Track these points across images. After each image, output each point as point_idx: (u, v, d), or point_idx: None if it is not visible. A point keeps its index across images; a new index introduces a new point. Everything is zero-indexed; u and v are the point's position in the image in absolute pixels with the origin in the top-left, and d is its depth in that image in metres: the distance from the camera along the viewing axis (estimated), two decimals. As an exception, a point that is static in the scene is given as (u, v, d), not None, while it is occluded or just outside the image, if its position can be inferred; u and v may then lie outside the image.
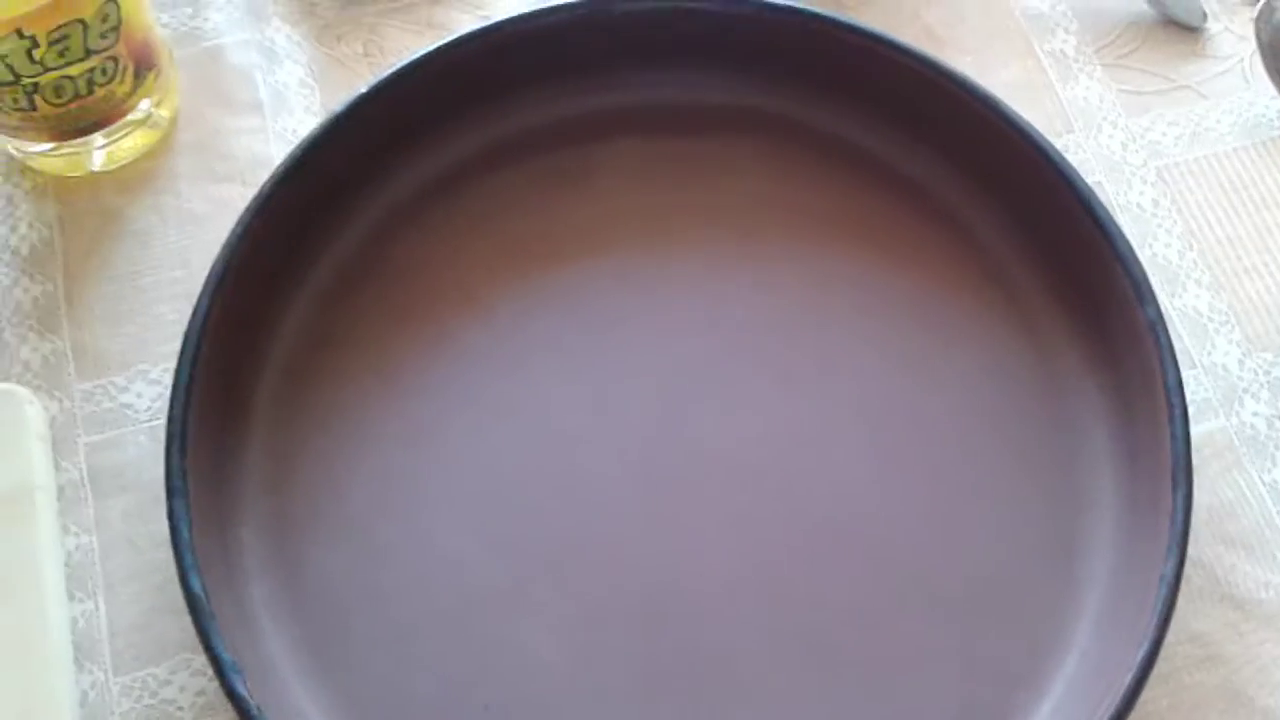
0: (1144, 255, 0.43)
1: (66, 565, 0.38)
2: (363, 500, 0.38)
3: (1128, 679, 0.34)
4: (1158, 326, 0.37)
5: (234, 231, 0.37)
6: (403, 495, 0.38)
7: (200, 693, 0.36)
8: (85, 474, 0.39)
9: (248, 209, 0.38)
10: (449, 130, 0.43)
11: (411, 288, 0.41)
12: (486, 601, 0.37)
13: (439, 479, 0.39)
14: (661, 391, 0.40)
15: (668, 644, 0.37)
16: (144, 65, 0.41)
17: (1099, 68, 0.46)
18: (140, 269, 0.42)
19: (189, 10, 0.46)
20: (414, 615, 0.37)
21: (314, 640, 0.36)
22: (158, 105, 0.43)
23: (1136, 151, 0.45)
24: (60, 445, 0.39)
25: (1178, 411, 0.36)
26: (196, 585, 0.33)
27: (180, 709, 0.36)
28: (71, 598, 0.37)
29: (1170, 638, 0.38)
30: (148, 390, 0.40)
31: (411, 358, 0.40)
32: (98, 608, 0.37)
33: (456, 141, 0.43)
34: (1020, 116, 0.40)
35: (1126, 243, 0.38)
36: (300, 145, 0.39)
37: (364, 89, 0.40)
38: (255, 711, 0.32)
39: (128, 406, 0.40)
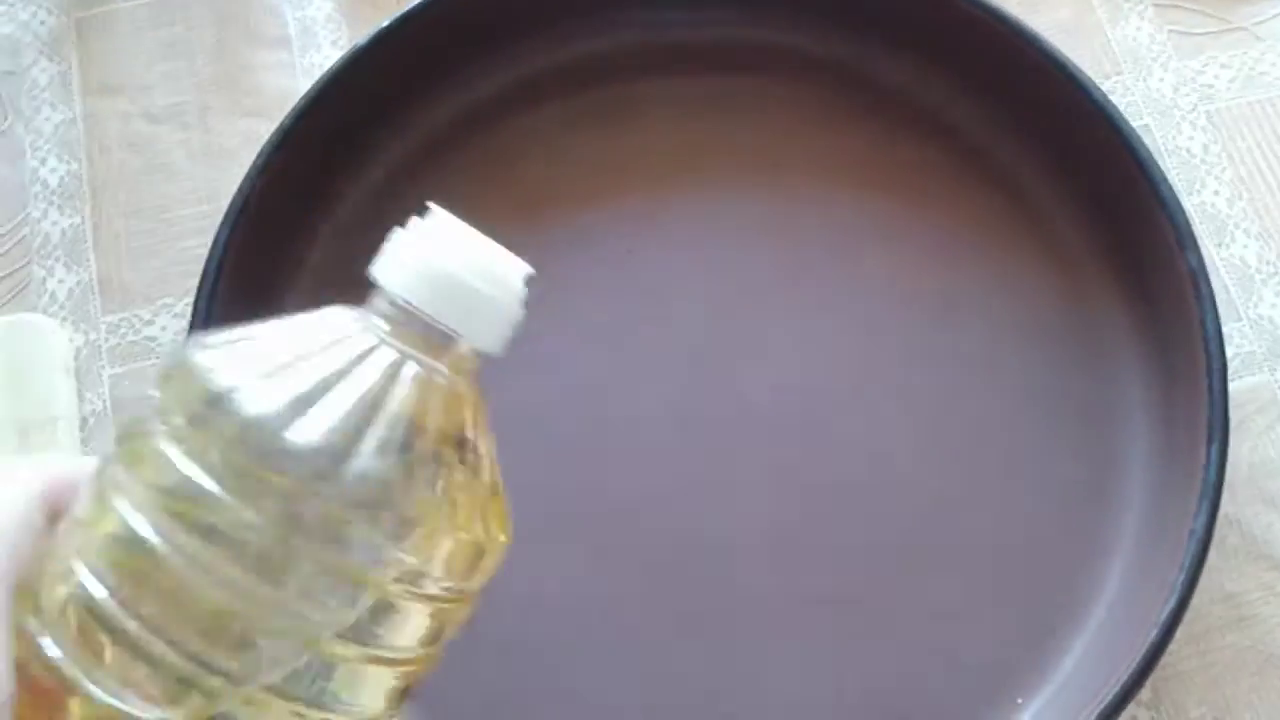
0: (1191, 203, 0.42)
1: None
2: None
3: (1153, 635, 0.33)
4: (1199, 275, 0.36)
5: (254, 165, 0.37)
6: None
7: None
8: (109, 405, 0.39)
9: (268, 142, 0.37)
10: (478, 67, 0.42)
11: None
12: (512, 547, 0.37)
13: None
14: (689, 336, 0.39)
15: (691, 590, 0.37)
16: None
17: (1150, 7, 0.44)
18: (167, 203, 0.42)
19: (219, -55, 0.46)
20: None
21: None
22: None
23: (1187, 95, 0.43)
24: (84, 377, 0.39)
25: (1215, 363, 0.35)
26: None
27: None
28: (92, 527, 0.38)
29: (1203, 598, 0.37)
30: (172, 324, 0.40)
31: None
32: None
33: (485, 79, 0.42)
34: (1064, 55, 0.39)
35: (1170, 187, 0.37)
36: (321, 79, 0.38)
37: (388, 21, 0.39)
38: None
39: (151, 339, 0.40)
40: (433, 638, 0.24)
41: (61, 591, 0.22)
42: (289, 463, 0.22)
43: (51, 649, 0.22)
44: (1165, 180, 0.37)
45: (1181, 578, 0.33)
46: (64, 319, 0.40)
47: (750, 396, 0.39)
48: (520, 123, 0.42)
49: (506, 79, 0.42)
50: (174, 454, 0.22)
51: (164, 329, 0.40)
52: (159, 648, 0.21)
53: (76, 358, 0.40)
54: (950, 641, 0.36)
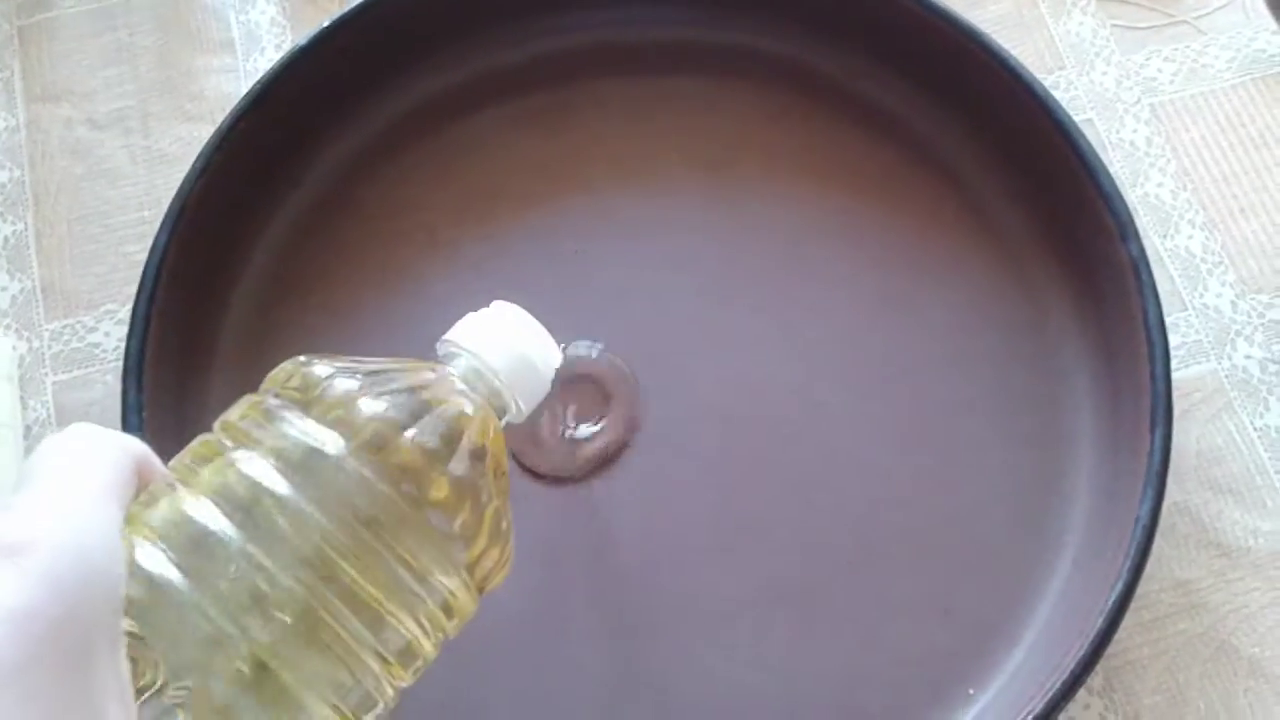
0: (1135, 195, 0.42)
1: (30, 504, 0.37)
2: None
3: (1099, 622, 0.33)
4: (1139, 264, 0.36)
5: (192, 168, 0.37)
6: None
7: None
8: (53, 413, 0.39)
9: (207, 145, 0.37)
10: (419, 69, 0.42)
11: (377, 229, 0.40)
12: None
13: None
14: (640, 334, 0.39)
15: (641, 587, 0.37)
16: None
17: (1093, 2, 0.45)
18: (109, 209, 0.41)
19: (163, -50, 0.46)
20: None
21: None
22: None
23: (1130, 88, 0.44)
24: (28, 384, 0.39)
25: (1158, 350, 0.35)
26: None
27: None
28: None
29: (1154, 586, 0.37)
30: (115, 330, 0.40)
31: (374, 300, 0.39)
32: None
33: (427, 81, 0.42)
34: (1004, 50, 0.39)
35: (1110, 178, 0.37)
36: (261, 80, 0.38)
37: (327, 22, 0.39)
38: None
39: (95, 346, 0.40)
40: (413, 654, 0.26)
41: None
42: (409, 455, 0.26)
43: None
44: (1106, 172, 0.37)
45: (1128, 564, 0.33)
46: (7, 326, 0.40)
47: (701, 393, 0.39)
48: (467, 123, 0.42)
49: (451, 79, 0.42)
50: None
51: (107, 335, 0.40)
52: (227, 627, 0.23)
53: (20, 365, 0.39)
54: (900, 634, 0.36)
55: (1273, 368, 0.40)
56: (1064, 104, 0.39)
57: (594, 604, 0.36)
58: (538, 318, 0.39)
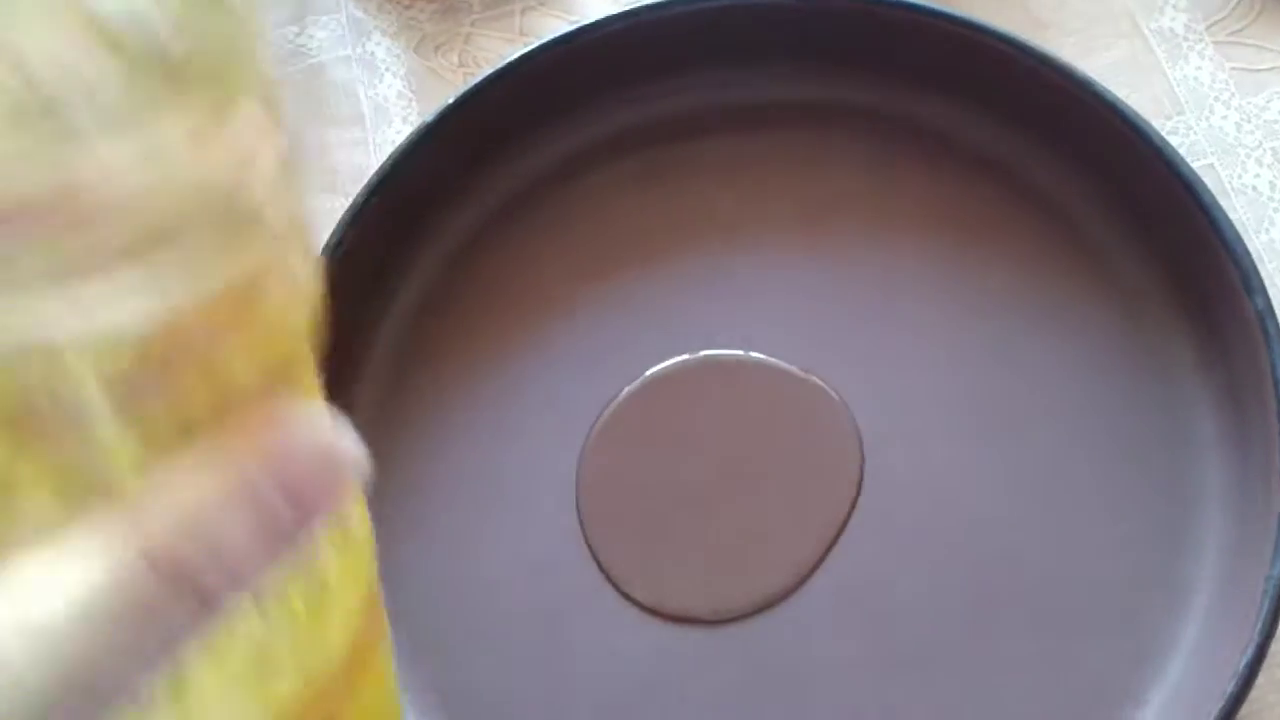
0: (1260, 240, 0.41)
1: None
2: (456, 502, 0.39)
3: (1231, 685, 0.32)
4: (1266, 315, 0.35)
5: (328, 242, 0.39)
6: (493, 496, 0.39)
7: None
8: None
9: (341, 219, 0.39)
10: (535, 137, 0.43)
11: (499, 292, 0.42)
12: (578, 598, 0.38)
13: (532, 483, 0.39)
14: (744, 398, 0.40)
15: (753, 639, 0.37)
16: None
17: (1210, 45, 0.44)
18: (249, 280, 0.44)
19: (294, 29, 0.48)
20: (512, 615, 0.38)
21: (405, 640, 0.37)
22: None
23: (1251, 132, 0.43)
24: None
25: (1287, 405, 0.34)
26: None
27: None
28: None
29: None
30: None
31: (498, 362, 0.41)
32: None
33: (542, 149, 0.43)
34: (1118, 98, 0.39)
35: (1233, 228, 0.37)
36: (392, 155, 0.40)
37: (451, 98, 0.41)
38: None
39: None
40: None
41: None
42: None
43: None
44: (1229, 221, 0.37)
45: (1259, 625, 0.33)
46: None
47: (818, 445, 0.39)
48: (576, 188, 0.43)
49: (565, 148, 0.43)
50: None
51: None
52: None
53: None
54: (1020, 697, 0.35)
55: None
56: (1183, 149, 0.38)
57: (700, 662, 0.37)
58: (656, 382, 0.40)
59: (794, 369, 0.40)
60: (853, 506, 0.38)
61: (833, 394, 0.40)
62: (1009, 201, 0.41)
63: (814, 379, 0.40)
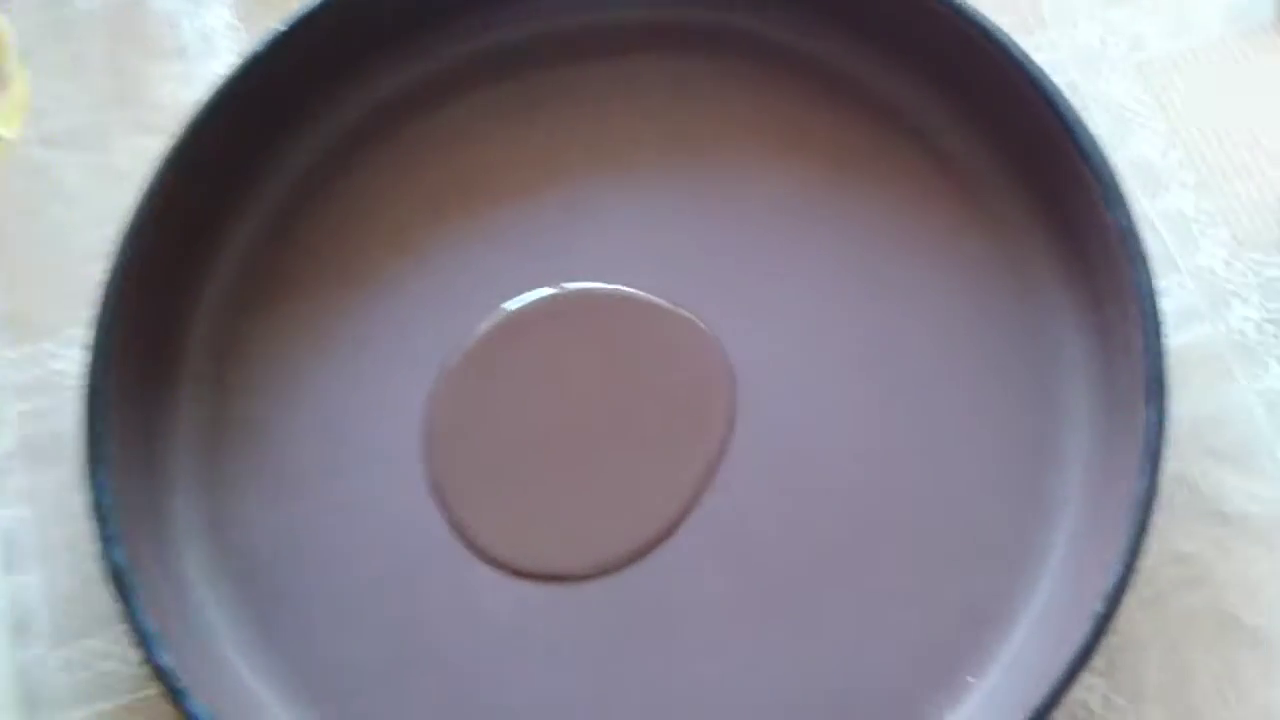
0: (1124, 156, 0.41)
1: (1, 538, 0.37)
2: (302, 458, 0.37)
3: (1099, 605, 0.32)
4: (1127, 231, 0.35)
5: (149, 182, 0.36)
6: (344, 451, 0.37)
7: (142, 664, 0.35)
8: (18, 444, 0.38)
9: (162, 158, 0.36)
10: (381, 65, 0.40)
11: (345, 233, 0.39)
12: (431, 554, 0.36)
13: (382, 431, 0.37)
14: (610, 333, 0.38)
15: (624, 588, 0.36)
16: None
17: (1071, -43, 0.43)
18: (68, 230, 0.40)
19: (108, -44, 0.44)
20: (356, 574, 0.36)
21: (251, 607, 0.35)
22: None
23: (1116, 45, 0.42)
24: (-6, 415, 0.38)
25: (1151, 321, 0.34)
26: (119, 556, 0.32)
27: (121, 680, 0.35)
28: (8, 570, 0.36)
29: (1154, 560, 0.36)
30: (79, 355, 0.39)
31: (346, 308, 0.38)
32: (34, 580, 0.36)
33: (388, 77, 0.40)
34: (979, 11, 0.38)
35: (1095, 143, 0.36)
36: (215, 88, 0.37)
37: (283, 25, 0.38)
38: (181, 684, 0.31)
39: (60, 373, 0.39)
40: None
41: None
42: None
43: None
44: (1090, 136, 0.36)
45: (1126, 544, 0.32)
46: (-32, 356, 0.39)
47: (676, 389, 0.38)
48: (432, 119, 0.40)
49: (414, 74, 0.41)
50: None
51: (73, 361, 0.39)
52: None
53: (-16, 395, 0.38)
54: (895, 625, 0.35)
55: (1270, 328, 0.39)
56: (1046, 65, 0.37)
57: (567, 609, 0.35)
58: (515, 319, 0.39)
59: (663, 302, 0.39)
60: (725, 445, 0.37)
61: (703, 327, 0.38)
62: (877, 128, 0.40)
63: (684, 312, 0.38)
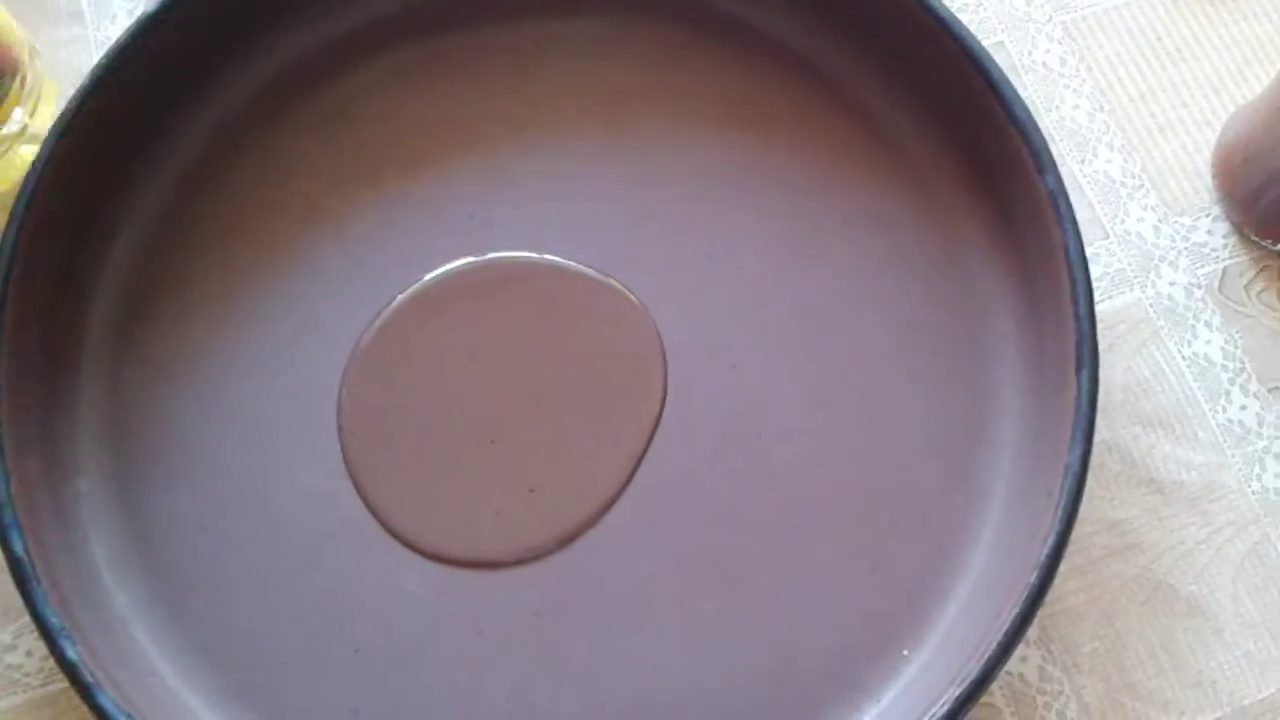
0: (1051, 119, 0.40)
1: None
2: (212, 440, 0.35)
3: (1034, 576, 0.31)
4: (1057, 196, 0.34)
5: (39, 156, 0.34)
6: (257, 431, 0.35)
7: (47, 656, 0.34)
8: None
9: (52, 130, 0.34)
10: (289, 25, 0.39)
11: (251, 204, 0.37)
12: (350, 538, 0.35)
13: (296, 411, 0.36)
14: (545, 293, 0.37)
15: (554, 571, 0.35)
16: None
17: (998, -84, 0.43)
18: (-41, 203, 0.38)
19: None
20: (272, 559, 0.34)
21: (164, 595, 0.34)
22: (32, 115, 0.37)
23: (1041, 5, 0.42)
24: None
25: (1080, 287, 0.33)
26: (18, 545, 0.31)
27: (27, 674, 0.34)
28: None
29: (1087, 528, 0.36)
30: (-26, 335, 0.37)
31: (254, 282, 0.37)
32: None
33: (299, 38, 0.39)
34: (907, -26, 0.37)
35: (1024, 107, 0.35)
36: (109, 51, 0.35)
37: (178, -13, 0.36)
38: (89, 677, 0.30)
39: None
40: None
41: None
42: None
43: None
44: (1019, 100, 0.35)
45: (1059, 514, 0.32)
46: None
47: (601, 360, 0.37)
48: (342, 83, 0.39)
49: (322, 36, 0.39)
50: None
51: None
52: None
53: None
54: (828, 598, 0.34)
55: (1198, 293, 0.38)
56: (973, 26, 0.37)
57: (493, 591, 0.34)
58: (434, 291, 0.37)
59: (591, 271, 0.37)
60: (657, 422, 0.36)
61: (633, 298, 0.37)
62: (805, 92, 0.39)
63: (613, 282, 0.37)
